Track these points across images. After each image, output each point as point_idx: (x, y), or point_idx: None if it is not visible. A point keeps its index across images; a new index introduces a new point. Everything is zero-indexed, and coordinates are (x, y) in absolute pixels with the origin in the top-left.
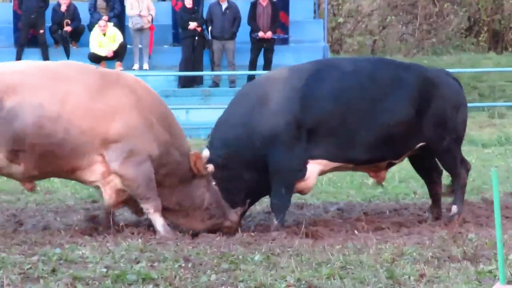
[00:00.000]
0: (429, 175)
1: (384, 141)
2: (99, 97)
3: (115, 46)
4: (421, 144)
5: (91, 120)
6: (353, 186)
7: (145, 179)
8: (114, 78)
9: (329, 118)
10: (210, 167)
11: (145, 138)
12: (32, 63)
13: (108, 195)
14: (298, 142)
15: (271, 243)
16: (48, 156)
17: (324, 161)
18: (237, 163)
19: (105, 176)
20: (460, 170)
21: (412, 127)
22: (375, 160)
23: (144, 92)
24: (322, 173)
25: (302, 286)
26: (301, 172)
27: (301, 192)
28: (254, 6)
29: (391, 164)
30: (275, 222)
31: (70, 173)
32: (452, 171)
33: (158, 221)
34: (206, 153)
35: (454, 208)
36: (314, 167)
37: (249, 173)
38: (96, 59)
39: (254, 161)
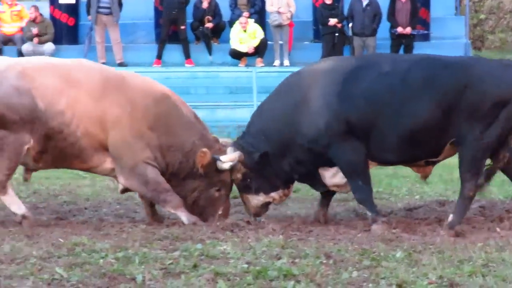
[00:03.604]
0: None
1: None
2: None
3: (255, 42)
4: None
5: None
6: (495, 184)
7: (152, 185)
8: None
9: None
10: (223, 165)
11: (137, 148)
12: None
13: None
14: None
15: (413, 240)
16: None
17: None
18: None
19: None
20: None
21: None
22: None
23: (139, 99)
24: None
25: (443, 283)
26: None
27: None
28: (393, 2)
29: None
30: (369, 214)
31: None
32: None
33: (182, 217)
34: (232, 155)
35: (450, 217)
36: None
37: (288, 163)
38: (237, 55)
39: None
